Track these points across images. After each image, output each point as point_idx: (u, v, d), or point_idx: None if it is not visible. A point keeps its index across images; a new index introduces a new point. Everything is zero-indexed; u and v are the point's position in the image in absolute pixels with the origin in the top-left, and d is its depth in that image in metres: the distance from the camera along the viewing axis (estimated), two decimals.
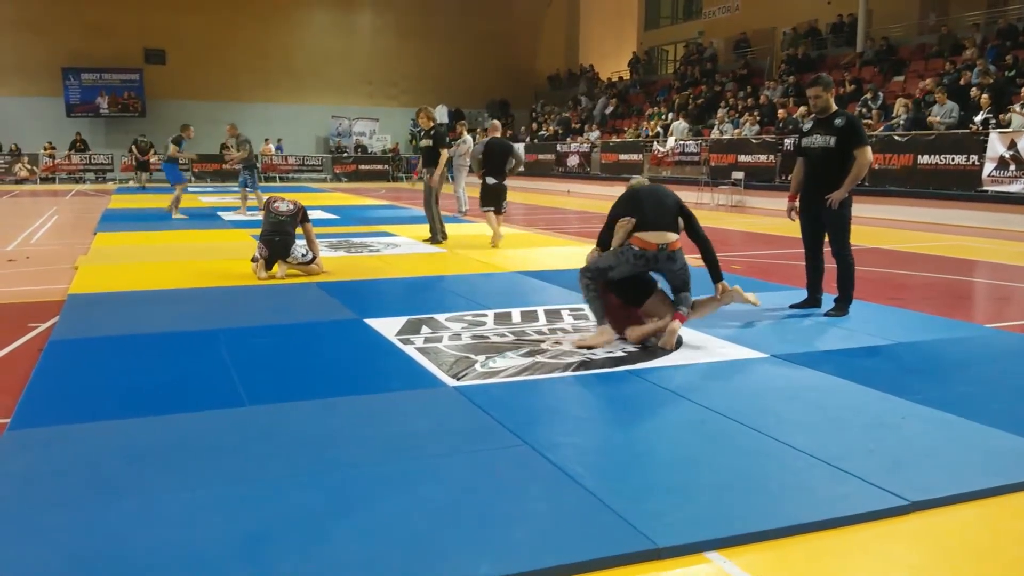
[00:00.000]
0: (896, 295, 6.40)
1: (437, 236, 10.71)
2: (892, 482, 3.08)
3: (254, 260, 7.97)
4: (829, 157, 5.97)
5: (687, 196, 20.22)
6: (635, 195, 5.36)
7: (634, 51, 32.02)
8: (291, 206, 7.95)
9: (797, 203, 6.34)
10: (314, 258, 8.09)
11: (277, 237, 7.81)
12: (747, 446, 3.49)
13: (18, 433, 3.61)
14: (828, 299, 6.28)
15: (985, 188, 14.05)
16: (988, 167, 13.97)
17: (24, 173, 28.29)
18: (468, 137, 15.82)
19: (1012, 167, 13.65)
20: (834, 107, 6.09)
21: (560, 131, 29.67)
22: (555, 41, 37.20)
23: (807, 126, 6.23)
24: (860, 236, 12.35)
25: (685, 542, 2.63)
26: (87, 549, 2.58)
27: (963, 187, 14.42)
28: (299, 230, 8.00)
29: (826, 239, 6.21)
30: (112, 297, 6.79)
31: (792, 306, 6.35)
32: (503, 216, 10.81)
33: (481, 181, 10.47)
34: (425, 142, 10.50)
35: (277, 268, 7.85)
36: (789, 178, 17.83)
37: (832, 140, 5.93)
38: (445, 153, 10.35)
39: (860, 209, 15.64)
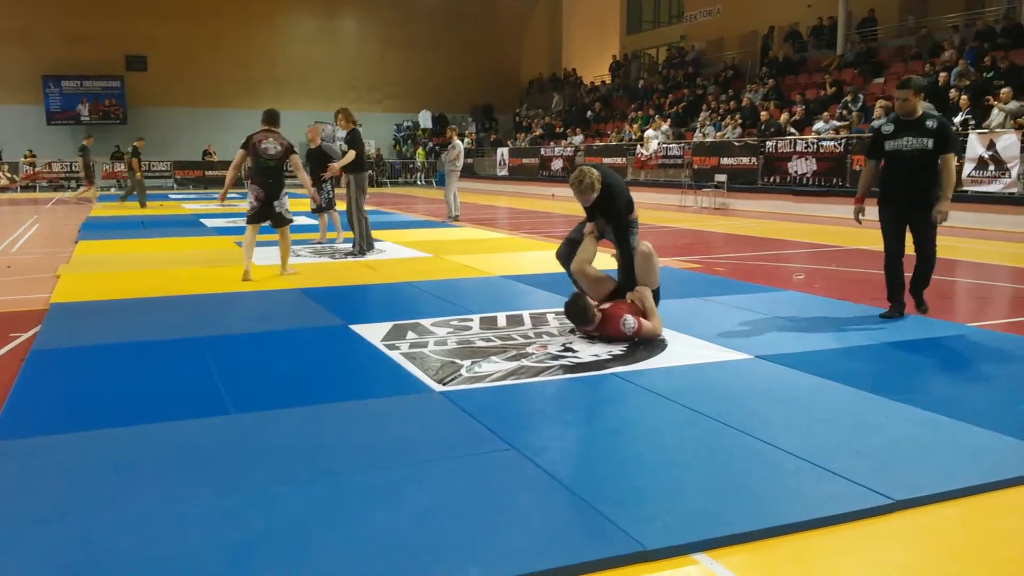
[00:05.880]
0: (879, 295, 6.44)
1: (356, 248, 10.06)
2: (878, 481, 3.09)
3: (251, 209, 8.24)
4: (925, 159, 5.84)
5: (670, 199, 20.46)
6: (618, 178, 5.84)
7: (614, 55, 32.12)
8: (279, 147, 8.13)
9: (864, 205, 6.28)
10: (289, 223, 8.41)
11: (271, 179, 8.16)
12: (734, 448, 3.50)
13: (0, 444, 3.57)
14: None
15: (965, 188, 14.18)
16: (968, 167, 14.11)
17: (4, 181, 28.06)
18: (458, 142, 15.82)
19: (991, 167, 13.79)
20: (920, 110, 5.96)
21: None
22: (538, 46, 37.28)
23: (888, 128, 6.06)
24: (843, 237, 12.44)
25: (673, 544, 2.64)
26: (71, 561, 2.55)
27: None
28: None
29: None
30: (94, 306, 6.73)
31: (882, 316, 6.14)
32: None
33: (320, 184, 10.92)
34: (343, 146, 10.13)
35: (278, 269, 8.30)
36: (772, 180, 18.11)
37: (929, 142, 5.81)
38: (352, 154, 9.72)
39: (844, 211, 15.80)
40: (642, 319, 5.39)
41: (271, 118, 8.39)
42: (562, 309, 6.14)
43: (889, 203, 6.09)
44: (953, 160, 5.88)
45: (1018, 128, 13.82)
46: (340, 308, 6.57)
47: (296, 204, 16.07)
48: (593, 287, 5.71)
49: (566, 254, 6.00)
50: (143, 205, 18.93)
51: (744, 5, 25.80)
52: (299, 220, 9.99)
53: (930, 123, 5.84)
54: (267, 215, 8.24)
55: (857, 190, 6.40)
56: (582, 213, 5.98)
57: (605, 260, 5.96)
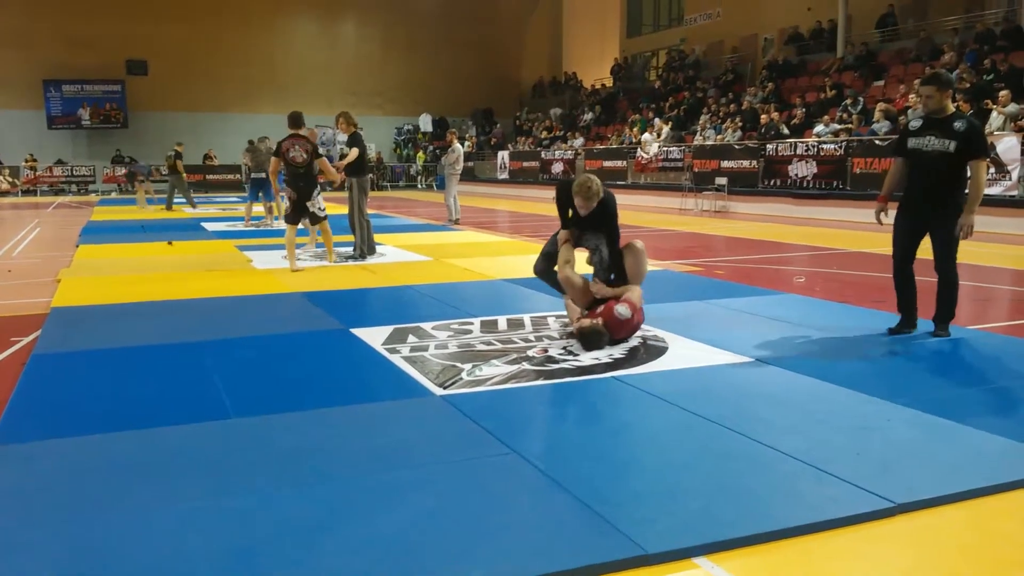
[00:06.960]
0: (879, 298, 6.45)
1: (357, 251, 9.96)
2: (879, 484, 3.09)
3: (287, 210, 9.18)
4: (945, 162, 5.39)
5: (671, 202, 20.46)
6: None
7: (615, 58, 32.17)
8: (304, 155, 8.85)
9: (887, 205, 5.85)
10: (325, 218, 9.36)
11: (301, 183, 8.98)
12: (734, 450, 3.50)
13: (1, 448, 3.57)
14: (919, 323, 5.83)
15: (966, 191, 14.15)
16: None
17: (5, 186, 28.09)
18: (458, 145, 15.83)
19: (992, 170, 13.78)
20: (951, 108, 5.51)
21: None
22: (538, 49, 37.30)
23: (915, 124, 5.61)
24: (844, 240, 12.44)
25: (674, 548, 2.64)
26: (72, 566, 2.55)
27: None
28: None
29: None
30: (95, 310, 6.73)
31: (890, 331, 5.69)
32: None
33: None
34: (343, 149, 10.29)
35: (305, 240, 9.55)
36: (773, 183, 18.12)
37: (952, 145, 5.34)
38: (355, 152, 9.72)
39: (844, 213, 15.82)
40: (627, 298, 5.49)
41: (295, 122, 8.98)
42: (562, 312, 6.16)
43: (906, 209, 5.66)
44: (982, 168, 5.44)
45: (1018, 131, 13.82)
46: (341, 312, 6.57)
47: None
48: (579, 295, 5.73)
49: (544, 268, 6.07)
50: (193, 205, 20.08)
51: (744, 8, 25.82)
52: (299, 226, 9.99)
53: (958, 124, 5.37)
54: (302, 215, 9.07)
55: (882, 188, 5.95)
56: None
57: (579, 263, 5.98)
